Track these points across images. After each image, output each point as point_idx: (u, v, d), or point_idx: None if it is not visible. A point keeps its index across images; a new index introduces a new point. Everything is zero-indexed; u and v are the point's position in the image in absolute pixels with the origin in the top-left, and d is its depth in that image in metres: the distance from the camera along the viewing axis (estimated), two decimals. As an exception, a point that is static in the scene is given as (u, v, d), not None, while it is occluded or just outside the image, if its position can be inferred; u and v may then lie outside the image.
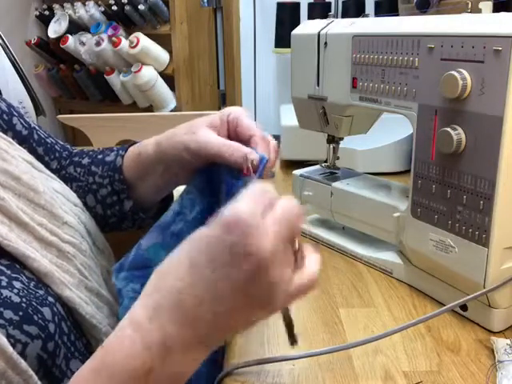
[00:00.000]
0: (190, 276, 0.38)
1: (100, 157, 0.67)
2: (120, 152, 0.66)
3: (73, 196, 0.63)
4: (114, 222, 0.67)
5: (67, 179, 0.67)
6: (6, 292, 0.45)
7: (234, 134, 0.56)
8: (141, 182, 0.64)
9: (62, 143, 0.71)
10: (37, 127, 0.67)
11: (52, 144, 0.68)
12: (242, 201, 0.37)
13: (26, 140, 0.64)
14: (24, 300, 0.46)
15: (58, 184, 0.62)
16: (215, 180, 0.55)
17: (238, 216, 0.36)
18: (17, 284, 0.47)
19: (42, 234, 0.53)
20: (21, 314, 0.45)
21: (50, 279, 0.50)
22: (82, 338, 0.53)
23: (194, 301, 0.37)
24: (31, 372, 0.43)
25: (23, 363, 0.43)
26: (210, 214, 0.52)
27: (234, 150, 0.53)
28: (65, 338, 0.49)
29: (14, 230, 0.50)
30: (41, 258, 0.50)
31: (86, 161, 0.68)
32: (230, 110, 0.57)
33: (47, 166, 0.64)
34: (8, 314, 0.44)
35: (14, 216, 0.50)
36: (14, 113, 0.64)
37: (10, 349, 0.42)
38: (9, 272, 0.48)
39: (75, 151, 0.72)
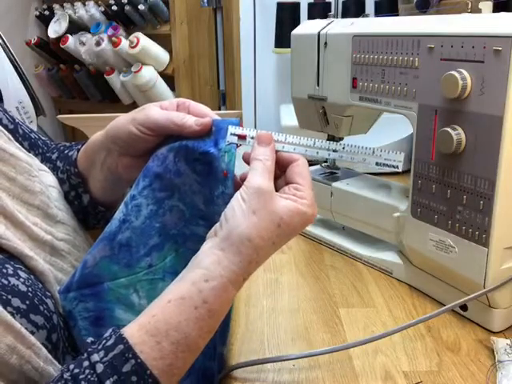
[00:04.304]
0: (267, 248, 0.48)
1: (66, 152, 0.66)
2: (78, 146, 0.65)
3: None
4: (80, 219, 0.65)
5: None
6: (13, 280, 0.45)
7: None
8: (89, 175, 0.63)
9: (44, 139, 0.70)
10: (20, 122, 0.66)
11: (35, 139, 0.67)
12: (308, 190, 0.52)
13: (12, 134, 0.62)
14: (30, 290, 0.46)
15: (51, 177, 0.62)
16: (168, 172, 0.53)
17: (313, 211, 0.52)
18: (22, 274, 0.47)
19: (37, 232, 0.52)
20: (27, 302, 0.45)
21: (45, 277, 0.51)
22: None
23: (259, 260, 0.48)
24: (39, 345, 0.44)
25: (32, 337, 0.43)
26: (167, 212, 0.53)
27: (183, 116, 0.52)
28: (62, 332, 0.50)
29: (10, 229, 0.50)
30: (36, 257, 0.50)
31: (54, 156, 0.67)
32: (181, 98, 0.57)
33: None
34: (16, 301, 0.44)
35: (9, 214, 0.50)
36: None
37: (18, 324, 0.42)
38: (12, 262, 0.48)
39: (52, 146, 0.70)
